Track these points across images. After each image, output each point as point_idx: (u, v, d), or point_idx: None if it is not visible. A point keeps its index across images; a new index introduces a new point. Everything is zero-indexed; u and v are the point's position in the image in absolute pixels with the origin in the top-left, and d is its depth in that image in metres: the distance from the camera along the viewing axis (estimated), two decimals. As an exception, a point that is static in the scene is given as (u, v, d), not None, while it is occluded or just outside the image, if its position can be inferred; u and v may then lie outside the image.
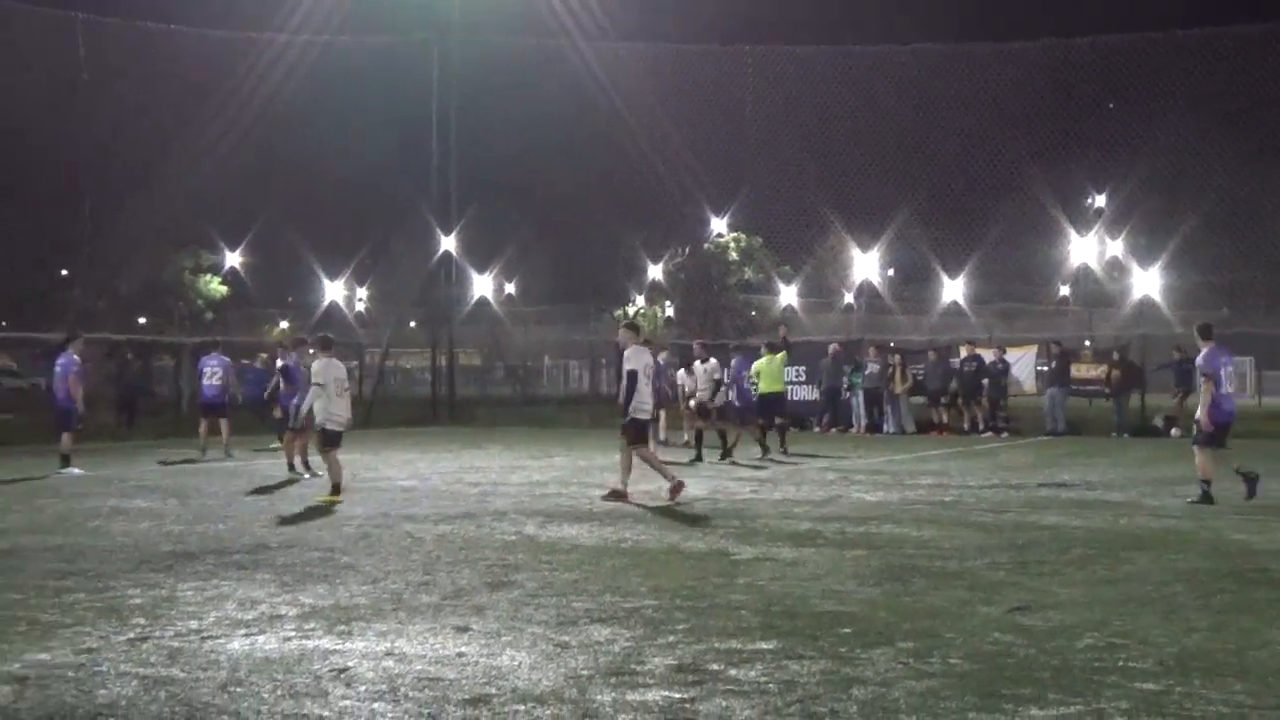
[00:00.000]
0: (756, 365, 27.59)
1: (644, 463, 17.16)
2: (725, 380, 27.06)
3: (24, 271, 50.62)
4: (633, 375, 16.87)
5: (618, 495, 16.81)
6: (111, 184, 43.83)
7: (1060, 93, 42.44)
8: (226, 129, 43.15)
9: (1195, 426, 16.79)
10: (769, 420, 27.14)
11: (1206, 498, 16.19)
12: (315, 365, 17.59)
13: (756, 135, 45.80)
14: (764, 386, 27.23)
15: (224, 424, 26.07)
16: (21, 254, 48.04)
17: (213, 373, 26.29)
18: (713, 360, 26.06)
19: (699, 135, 45.82)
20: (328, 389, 17.20)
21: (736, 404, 26.72)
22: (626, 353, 17.21)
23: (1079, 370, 34.43)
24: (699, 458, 24.28)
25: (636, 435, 17.18)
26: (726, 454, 24.59)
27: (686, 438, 28.08)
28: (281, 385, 23.21)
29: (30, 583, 10.53)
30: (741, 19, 74.97)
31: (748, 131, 45.97)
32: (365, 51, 45.30)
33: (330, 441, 17.33)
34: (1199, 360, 16.77)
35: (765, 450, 25.08)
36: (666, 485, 16.86)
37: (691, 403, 26.72)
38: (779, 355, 27.31)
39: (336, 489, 16.99)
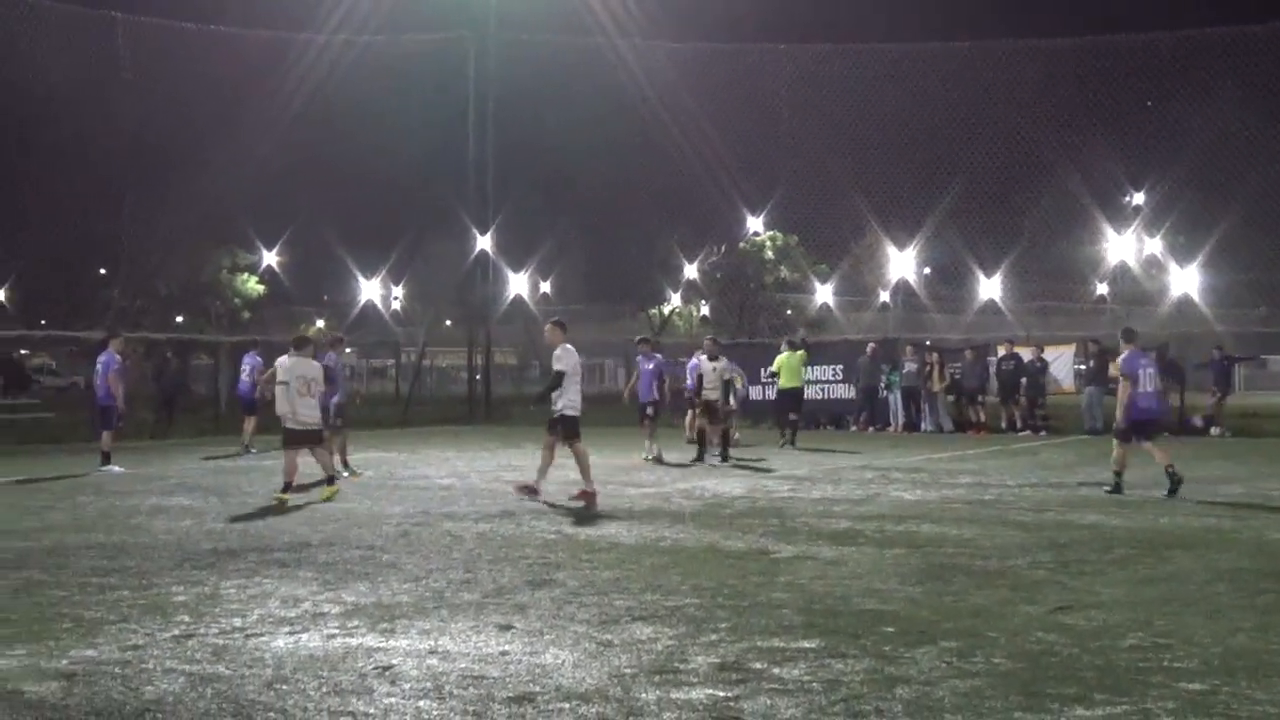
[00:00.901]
0: (777, 361, 28.55)
1: (577, 459, 16.98)
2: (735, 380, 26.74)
3: (63, 271, 51.01)
4: (559, 375, 16.81)
5: (586, 496, 16.48)
6: (150, 184, 44.09)
7: (1098, 90, 42.26)
8: (264, 129, 43.37)
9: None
10: (785, 415, 28.53)
11: (1117, 488, 17.30)
12: (283, 362, 17.68)
13: (792, 134, 45.74)
14: (783, 382, 28.46)
15: (251, 420, 26.49)
16: (61, 254, 48.39)
17: (242, 369, 26.99)
18: (723, 360, 25.55)
19: (734, 134, 45.78)
20: (290, 387, 17.26)
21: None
22: (556, 352, 17.09)
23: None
24: (700, 458, 23.93)
25: (570, 432, 16.98)
26: (725, 455, 24.17)
27: (714, 439, 28.09)
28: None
29: (74, 580, 10.61)
30: (777, 17, 74.87)
31: (783, 130, 45.92)
32: (402, 51, 45.37)
33: (289, 440, 17.43)
34: (1119, 361, 18.26)
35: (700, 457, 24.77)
36: (537, 480, 16.93)
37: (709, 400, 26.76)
38: (799, 353, 28.71)
39: (288, 487, 16.95)
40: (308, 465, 17.71)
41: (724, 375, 24.74)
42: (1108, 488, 17.42)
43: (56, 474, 21.27)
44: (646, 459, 23.88)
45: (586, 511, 15.64)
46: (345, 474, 20.66)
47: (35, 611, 9.28)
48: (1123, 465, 17.54)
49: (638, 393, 25.47)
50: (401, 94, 49.42)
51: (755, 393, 33.47)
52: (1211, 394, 32.60)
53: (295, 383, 17.22)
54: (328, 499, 16.73)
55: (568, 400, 16.91)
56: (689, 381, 26.63)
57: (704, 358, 24.96)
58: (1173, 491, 16.86)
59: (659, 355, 26.03)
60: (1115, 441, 17.77)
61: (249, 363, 27.21)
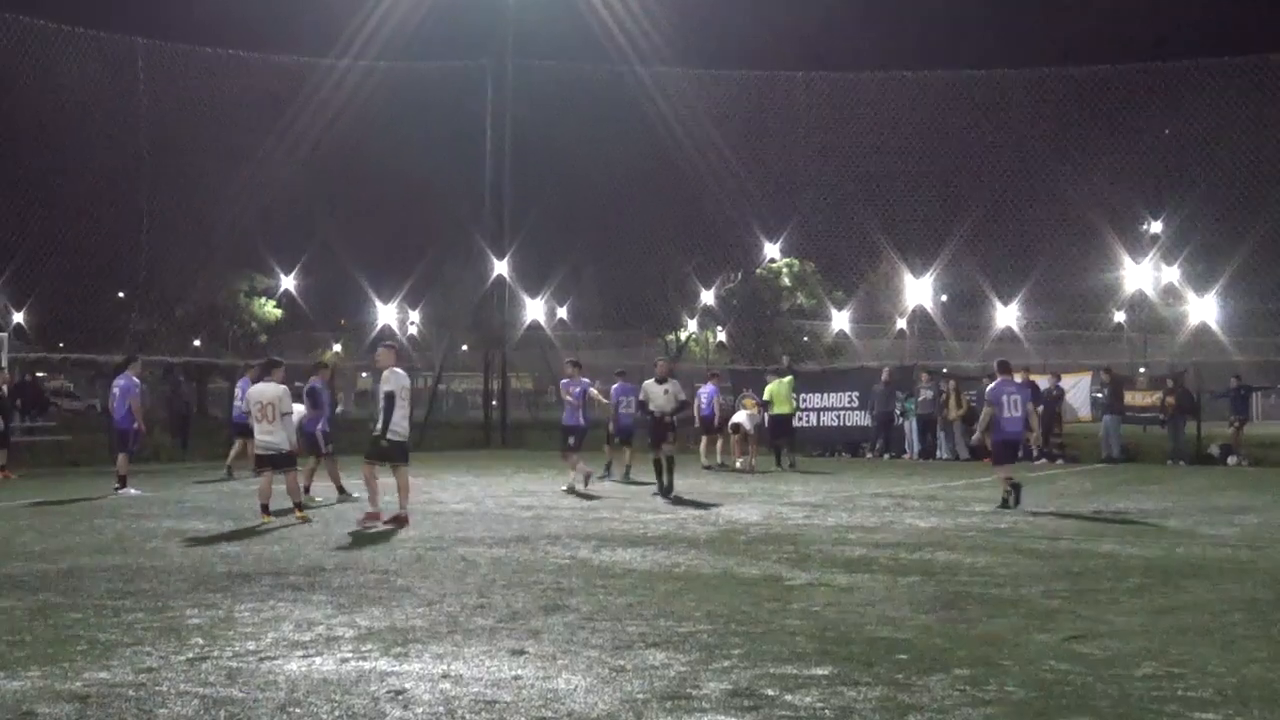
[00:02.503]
0: (768, 390, 29.88)
1: (399, 482, 17.16)
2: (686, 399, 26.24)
3: (81, 294, 51.12)
4: (390, 397, 16.85)
5: (399, 520, 16.65)
6: (169, 208, 44.22)
7: (1115, 118, 42.25)
8: (283, 153, 43.50)
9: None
10: (778, 440, 29.87)
11: (1005, 504, 19.15)
12: (248, 388, 17.95)
13: (809, 161, 45.76)
14: (775, 409, 29.67)
15: (238, 443, 26.38)
16: (79, 277, 48.50)
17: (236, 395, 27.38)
18: (674, 381, 24.84)
19: (752, 160, 45.81)
20: (252, 414, 17.57)
21: (612, 427, 25.99)
22: (385, 374, 17.10)
23: (1134, 398, 34.17)
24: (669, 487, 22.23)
25: (396, 455, 17.13)
26: (625, 475, 25.17)
27: (739, 463, 28.15)
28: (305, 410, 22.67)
29: (90, 602, 10.64)
30: (794, 45, 74.96)
31: (800, 157, 45.93)
32: (421, 77, 45.56)
33: (254, 463, 18.00)
34: (988, 390, 20.18)
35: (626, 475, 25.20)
36: (369, 509, 17.00)
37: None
38: (786, 379, 30.08)
39: (265, 509, 17.19)
40: (329, 491, 17.71)
41: (677, 397, 23.14)
42: (997, 505, 19.20)
43: (74, 497, 21.32)
44: (566, 490, 22.52)
45: (399, 528, 16.14)
46: (355, 495, 20.31)
47: (50, 634, 9.31)
48: (1008, 482, 19.36)
49: (614, 420, 25.48)
50: (420, 120, 49.57)
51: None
52: (1229, 423, 32.49)
53: (254, 409, 17.51)
54: (263, 524, 16.74)
55: (394, 424, 16.98)
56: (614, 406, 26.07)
57: (651, 380, 23.59)
58: (1010, 502, 19.08)
59: (586, 379, 25.50)
60: (995, 468, 19.97)
61: (239, 388, 27.29)
